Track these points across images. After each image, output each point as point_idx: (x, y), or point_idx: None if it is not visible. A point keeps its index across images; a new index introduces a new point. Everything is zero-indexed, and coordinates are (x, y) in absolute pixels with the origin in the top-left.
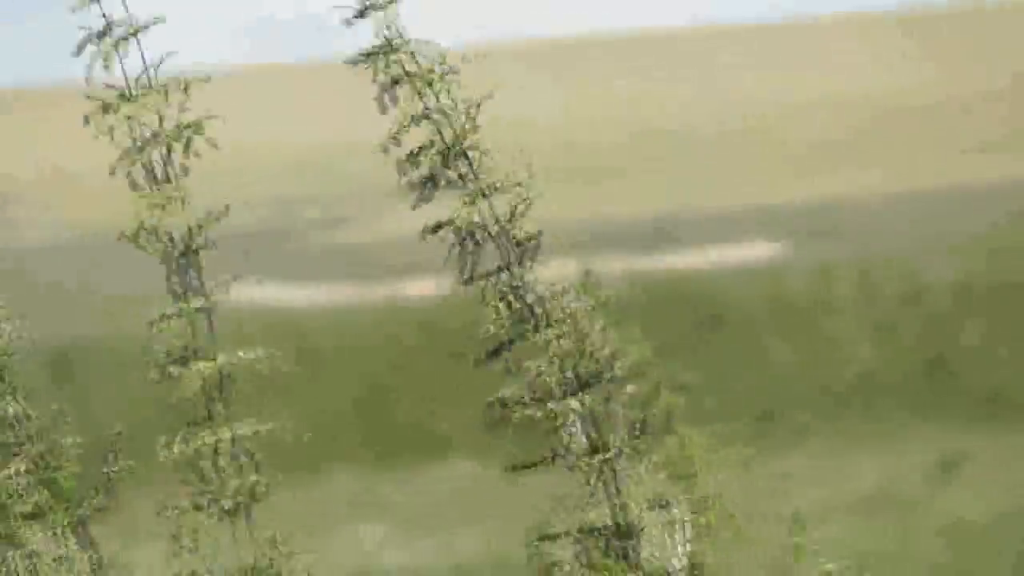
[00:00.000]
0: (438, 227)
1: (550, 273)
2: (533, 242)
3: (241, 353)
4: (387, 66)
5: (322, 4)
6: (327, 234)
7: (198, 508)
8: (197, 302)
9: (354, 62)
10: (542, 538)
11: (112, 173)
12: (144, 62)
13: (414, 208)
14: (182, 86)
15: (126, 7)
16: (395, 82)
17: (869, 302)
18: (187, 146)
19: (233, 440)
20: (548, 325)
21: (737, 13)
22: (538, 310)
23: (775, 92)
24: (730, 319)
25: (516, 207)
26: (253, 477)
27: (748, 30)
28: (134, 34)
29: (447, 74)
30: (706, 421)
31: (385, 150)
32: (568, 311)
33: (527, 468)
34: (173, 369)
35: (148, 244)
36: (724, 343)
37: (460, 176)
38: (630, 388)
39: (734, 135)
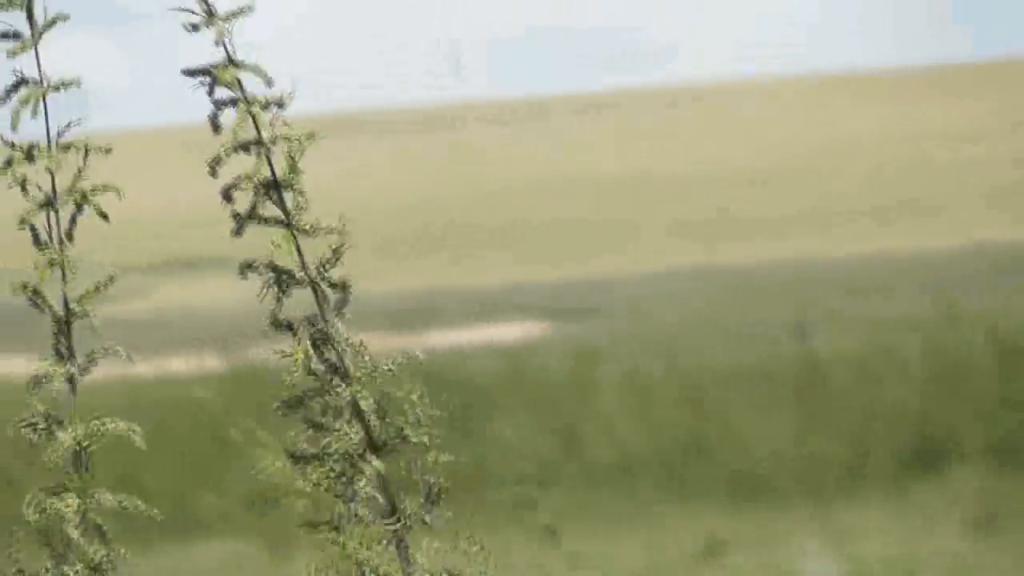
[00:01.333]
0: (250, 265)
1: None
2: (347, 291)
3: (105, 424)
4: (226, 82)
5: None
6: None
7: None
8: (66, 370)
9: (192, 74)
10: None
11: (20, 226)
12: (48, 123)
13: (232, 236)
14: (82, 151)
15: (38, 64)
16: (230, 103)
17: (629, 383)
18: (78, 211)
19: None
20: (356, 380)
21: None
22: (346, 363)
23: (526, 174)
24: (484, 400)
25: (336, 249)
26: (99, 550)
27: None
28: (44, 94)
29: (280, 105)
30: (471, 501)
31: (213, 172)
32: (374, 371)
33: (321, 527)
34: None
35: (41, 303)
36: (480, 424)
37: (282, 213)
38: (432, 456)
39: (474, 218)
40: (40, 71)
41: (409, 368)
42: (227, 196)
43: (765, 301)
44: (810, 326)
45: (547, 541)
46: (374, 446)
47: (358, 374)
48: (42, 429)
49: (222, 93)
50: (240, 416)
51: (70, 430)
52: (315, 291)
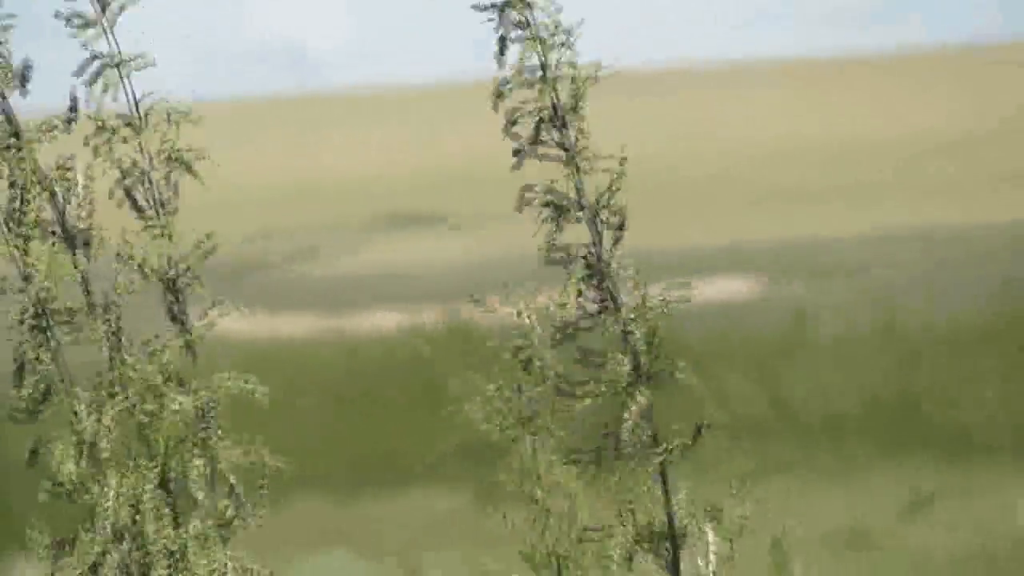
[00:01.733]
0: (529, 188)
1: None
2: (623, 226)
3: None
4: (513, 17)
5: (300, 34)
6: (299, 267)
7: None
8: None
9: (481, 8)
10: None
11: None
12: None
13: (512, 170)
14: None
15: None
16: (516, 39)
17: (841, 340)
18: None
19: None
20: (628, 315)
21: (701, 54)
22: (619, 297)
23: (744, 135)
24: (704, 355)
25: (612, 184)
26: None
27: (720, 72)
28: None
29: (566, 38)
30: (685, 454)
31: (499, 95)
32: (645, 306)
33: (592, 455)
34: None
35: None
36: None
37: (560, 143)
38: (692, 384)
39: (709, 176)
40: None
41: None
42: (511, 123)
43: (979, 262)
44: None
45: (768, 489)
46: (642, 378)
47: (630, 310)
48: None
49: (508, 28)
50: (455, 370)
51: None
52: (592, 224)
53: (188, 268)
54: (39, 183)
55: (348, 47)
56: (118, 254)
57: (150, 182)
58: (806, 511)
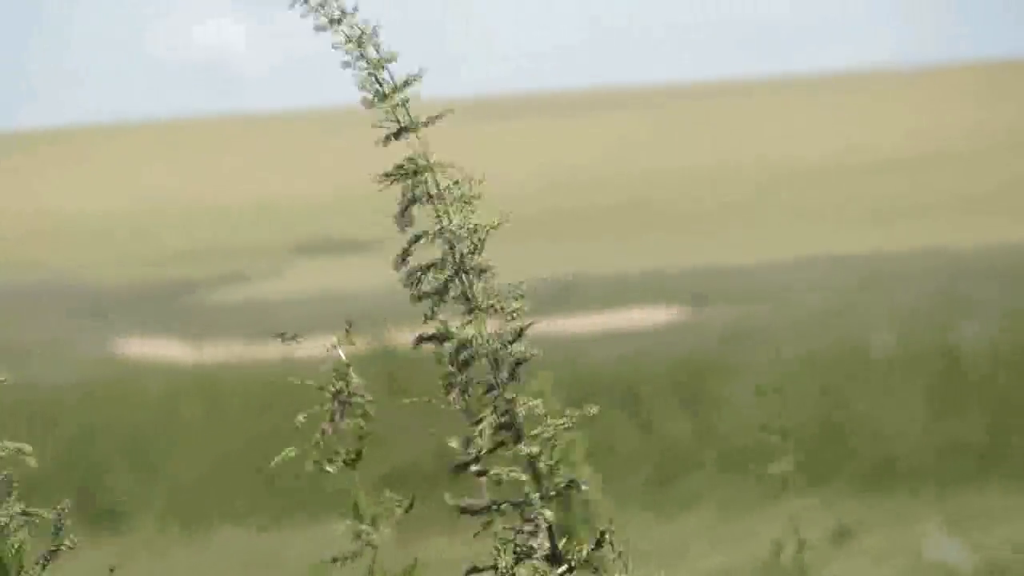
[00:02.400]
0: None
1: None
2: (526, 363)
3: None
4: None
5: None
6: (226, 290)
7: None
8: None
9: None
10: None
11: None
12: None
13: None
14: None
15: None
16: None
17: (764, 367)
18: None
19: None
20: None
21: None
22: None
23: (673, 159)
24: (626, 384)
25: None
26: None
27: (653, 95)
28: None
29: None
30: (603, 484)
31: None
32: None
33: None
34: None
35: None
36: (621, 407)
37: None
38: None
39: (630, 202)
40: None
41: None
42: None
43: (904, 288)
44: (947, 314)
45: (689, 519)
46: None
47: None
48: None
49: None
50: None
51: None
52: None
53: None
54: None
55: (273, 70)
56: None
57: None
58: (729, 540)
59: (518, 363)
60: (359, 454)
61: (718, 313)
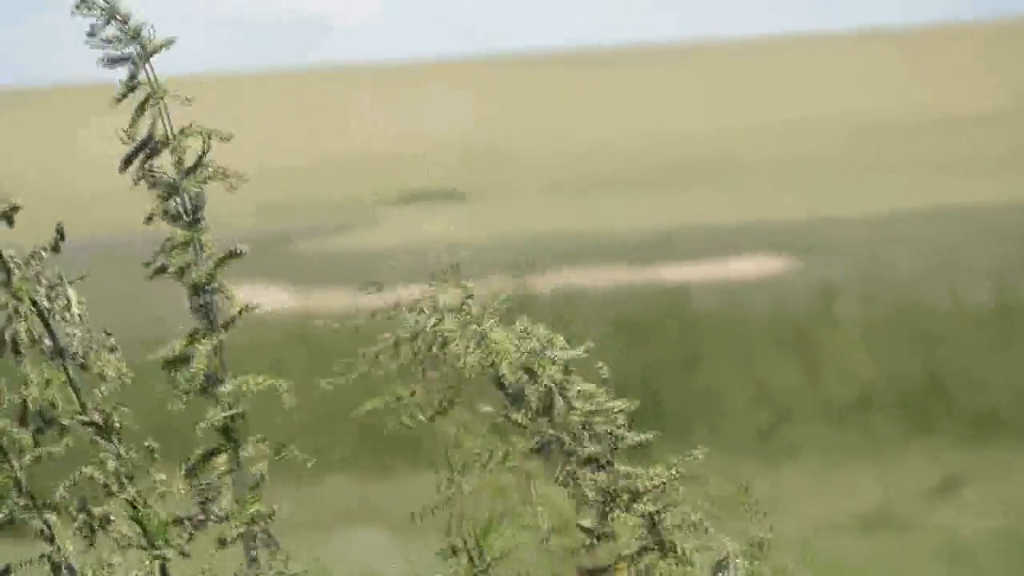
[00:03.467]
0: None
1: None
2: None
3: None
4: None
5: (309, 8)
6: (326, 240)
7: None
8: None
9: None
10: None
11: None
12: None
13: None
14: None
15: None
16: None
17: (868, 321)
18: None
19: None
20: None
21: (712, 32)
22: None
23: (762, 111)
24: (727, 334)
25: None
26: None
27: (732, 49)
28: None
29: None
30: (703, 437)
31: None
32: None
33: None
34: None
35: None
36: (721, 358)
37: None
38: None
39: (729, 153)
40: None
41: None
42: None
43: (1001, 241)
44: None
45: (793, 469)
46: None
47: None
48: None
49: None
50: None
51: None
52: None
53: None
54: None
55: (373, 21)
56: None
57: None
58: (834, 491)
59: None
60: (451, 403)
61: (819, 264)
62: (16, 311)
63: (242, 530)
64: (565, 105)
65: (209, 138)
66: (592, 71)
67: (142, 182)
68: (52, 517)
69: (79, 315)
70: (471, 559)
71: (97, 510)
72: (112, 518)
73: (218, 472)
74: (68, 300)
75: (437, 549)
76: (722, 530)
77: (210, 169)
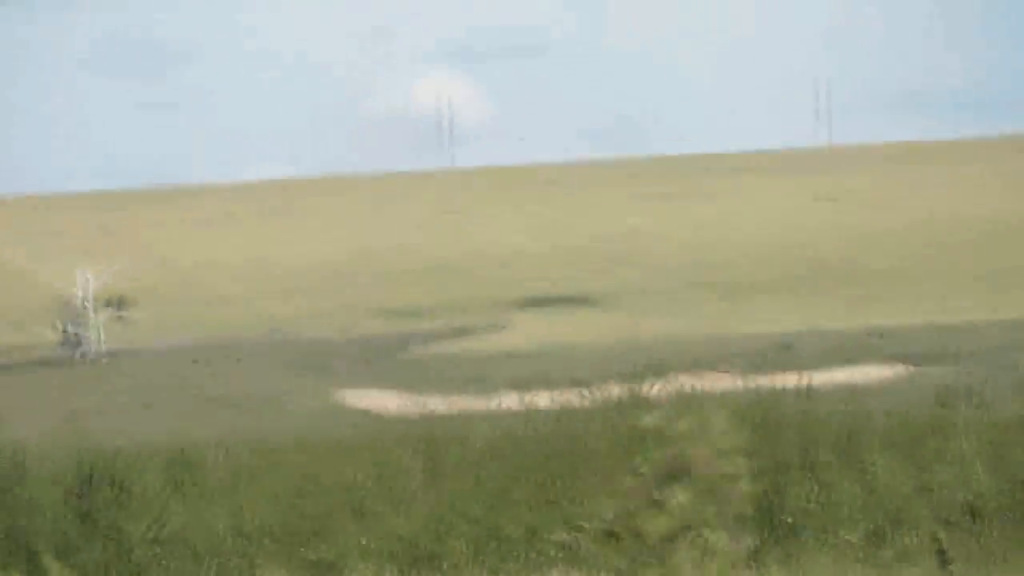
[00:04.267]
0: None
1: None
2: None
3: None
4: None
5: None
6: (446, 344)
7: None
8: None
9: None
10: None
11: None
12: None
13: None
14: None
15: None
16: None
17: (982, 427)
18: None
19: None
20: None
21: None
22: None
23: (860, 221)
24: (845, 437)
25: None
26: None
27: (859, 155)
28: None
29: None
30: (821, 537)
31: None
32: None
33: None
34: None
35: None
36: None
37: None
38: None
39: (853, 259)
40: None
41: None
42: None
43: None
44: None
45: (906, 570)
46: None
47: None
48: None
49: None
50: (607, 451)
51: None
52: None
53: None
54: None
55: (492, 124)
56: None
57: None
58: None
59: None
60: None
61: (934, 371)
62: None
63: None
64: (696, 211)
65: None
66: (717, 178)
67: None
68: None
69: None
70: None
71: None
72: None
73: None
74: None
75: None
76: None
77: None
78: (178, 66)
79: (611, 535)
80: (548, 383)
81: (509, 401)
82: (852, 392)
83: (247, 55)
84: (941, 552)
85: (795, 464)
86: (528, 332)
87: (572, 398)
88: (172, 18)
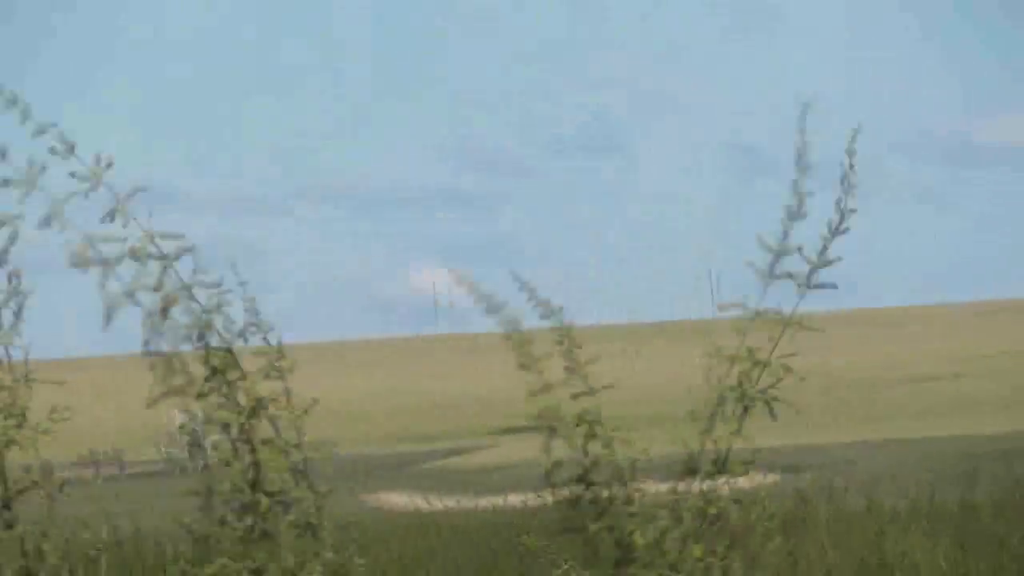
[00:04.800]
0: None
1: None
2: None
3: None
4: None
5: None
6: (443, 461)
7: None
8: None
9: None
10: None
11: None
12: None
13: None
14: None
15: None
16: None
17: (832, 516)
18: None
19: None
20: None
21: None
22: None
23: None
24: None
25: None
26: None
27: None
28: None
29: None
30: None
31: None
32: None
33: None
34: None
35: None
36: None
37: None
38: None
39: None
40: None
41: None
42: None
43: (933, 460)
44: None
45: None
46: None
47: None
48: None
49: None
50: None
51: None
52: None
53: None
54: None
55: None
56: None
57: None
58: None
59: None
60: None
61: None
62: None
63: None
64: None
65: None
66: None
67: None
68: None
69: None
70: None
71: None
72: None
73: None
74: None
75: None
76: None
77: None
78: None
79: None
80: (519, 487)
81: (490, 501)
82: (742, 493)
83: None
84: None
85: None
86: (510, 451)
87: (532, 499)
88: None
